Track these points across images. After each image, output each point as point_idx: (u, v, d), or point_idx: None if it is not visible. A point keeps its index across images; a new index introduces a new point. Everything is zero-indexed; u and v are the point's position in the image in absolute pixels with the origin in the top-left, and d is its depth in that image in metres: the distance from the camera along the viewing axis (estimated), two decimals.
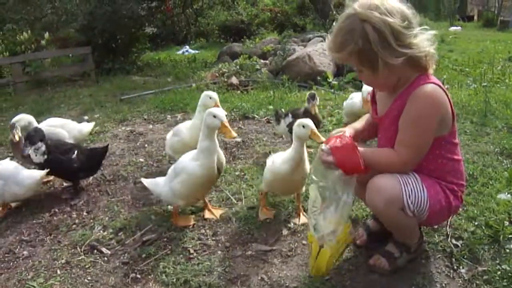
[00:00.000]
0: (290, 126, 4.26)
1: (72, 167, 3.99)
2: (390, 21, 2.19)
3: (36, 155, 3.91)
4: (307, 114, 4.16)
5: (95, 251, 3.19)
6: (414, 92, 2.31)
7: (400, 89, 2.41)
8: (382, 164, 2.41)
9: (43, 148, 3.92)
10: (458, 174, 2.52)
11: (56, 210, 3.83)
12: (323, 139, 3.17)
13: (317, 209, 2.49)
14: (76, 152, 4.03)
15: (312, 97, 4.33)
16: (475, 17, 24.99)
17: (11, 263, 3.16)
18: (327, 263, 2.47)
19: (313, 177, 2.49)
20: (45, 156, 3.91)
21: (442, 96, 2.32)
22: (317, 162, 2.46)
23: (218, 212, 3.52)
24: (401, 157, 2.35)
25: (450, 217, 2.91)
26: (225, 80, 8.91)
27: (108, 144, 4.55)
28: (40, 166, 3.97)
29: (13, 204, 3.97)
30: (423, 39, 2.29)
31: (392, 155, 2.38)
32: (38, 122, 4.47)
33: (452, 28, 18.75)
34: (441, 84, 2.36)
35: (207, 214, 3.50)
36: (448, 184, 2.47)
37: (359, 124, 2.84)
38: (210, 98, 3.98)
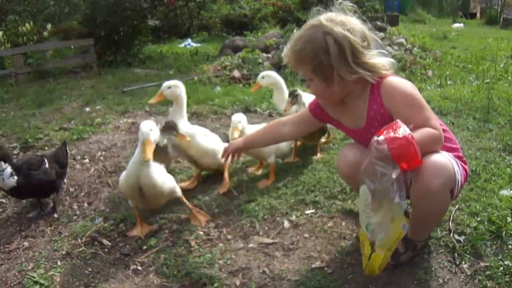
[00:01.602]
0: None
1: (50, 178, 3.58)
2: (351, 38, 2.29)
3: (3, 180, 3.35)
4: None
5: (96, 242, 3.20)
6: (383, 87, 2.38)
7: (361, 96, 2.47)
8: (428, 142, 2.29)
9: (9, 169, 3.35)
10: (452, 140, 2.57)
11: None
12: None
13: (368, 207, 2.42)
14: (46, 160, 3.63)
15: (291, 94, 3.99)
16: (478, 15, 24.95)
17: (12, 254, 3.16)
18: (381, 264, 2.40)
19: (364, 178, 2.42)
20: (15, 177, 3.37)
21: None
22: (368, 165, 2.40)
23: (202, 219, 3.35)
24: (437, 129, 2.30)
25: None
26: (227, 73, 8.89)
27: (65, 141, 4.29)
28: (15, 192, 3.49)
29: None
30: (379, 63, 2.37)
31: (431, 131, 2.30)
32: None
33: (455, 25, 18.72)
34: None
35: (192, 220, 3.34)
36: (454, 152, 2.50)
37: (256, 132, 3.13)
38: None
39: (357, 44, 2.29)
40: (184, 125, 3.68)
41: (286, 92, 4.25)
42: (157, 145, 3.31)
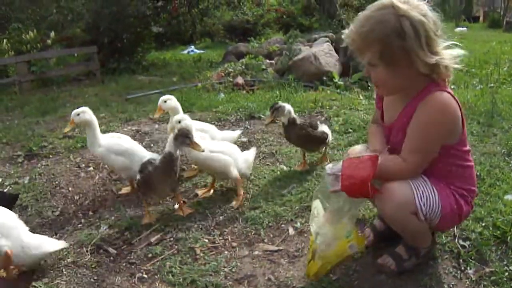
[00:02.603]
0: None
1: None
2: (427, 24, 2.18)
3: None
4: None
5: (101, 250, 3.19)
6: (426, 98, 2.29)
7: (409, 96, 2.39)
8: (390, 172, 2.36)
9: None
10: (469, 180, 2.51)
11: (62, 209, 3.83)
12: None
13: (318, 218, 2.53)
14: None
15: (276, 108, 3.93)
16: (481, 18, 24.94)
17: None
18: (316, 273, 2.56)
19: (319, 195, 2.54)
20: None
21: (454, 105, 2.31)
22: (322, 185, 2.51)
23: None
24: (408, 164, 2.33)
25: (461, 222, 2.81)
26: (231, 79, 8.89)
27: (18, 194, 3.93)
28: None
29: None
30: (451, 54, 2.29)
31: (398, 162, 2.35)
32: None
33: (458, 29, 18.68)
34: (452, 93, 2.33)
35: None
36: (457, 189, 2.46)
37: (378, 144, 2.63)
38: None
39: (431, 31, 2.20)
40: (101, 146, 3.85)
41: None
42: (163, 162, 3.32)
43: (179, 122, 3.57)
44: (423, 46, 2.18)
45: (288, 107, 3.95)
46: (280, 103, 3.99)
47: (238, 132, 4.68)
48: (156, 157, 3.60)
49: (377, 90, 2.64)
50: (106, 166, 4.54)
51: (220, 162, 3.58)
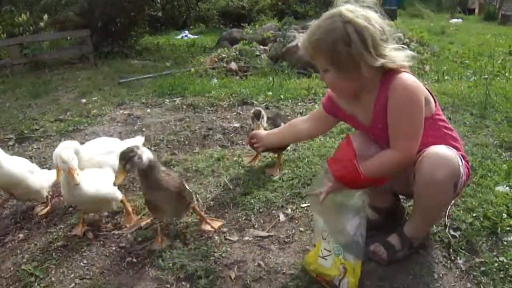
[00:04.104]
0: None
1: None
2: (371, 29, 2.27)
3: None
4: None
5: (91, 234, 3.18)
6: (393, 83, 2.34)
7: (371, 92, 2.45)
8: (389, 166, 2.38)
9: None
10: (457, 140, 2.58)
11: (52, 192, 3.81)
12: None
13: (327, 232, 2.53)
14: None
15: (257, 115, 3.61)
16: (476, 10, 24.88)
17: (6, 246, 3.14)
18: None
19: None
20: None
21: (413, 78, 2.39)
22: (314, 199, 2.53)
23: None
24: (404, 151, 2.34)
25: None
26: (224, 65, 8.86)
27: None
28: None
29: None
30: (399, 54, 2.37)
31: (393, 154, 2.36)
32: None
33: (453, 20, 18.65)
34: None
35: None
36: (458, 151, 2.48)
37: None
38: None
39: (376, 36, 2.28)
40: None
41: None
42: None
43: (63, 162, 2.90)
44: (369, 49, 2.27)
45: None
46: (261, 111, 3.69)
47: (141, 140, 4.06)
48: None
49: (333, 95, 2.73)
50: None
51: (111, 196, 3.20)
